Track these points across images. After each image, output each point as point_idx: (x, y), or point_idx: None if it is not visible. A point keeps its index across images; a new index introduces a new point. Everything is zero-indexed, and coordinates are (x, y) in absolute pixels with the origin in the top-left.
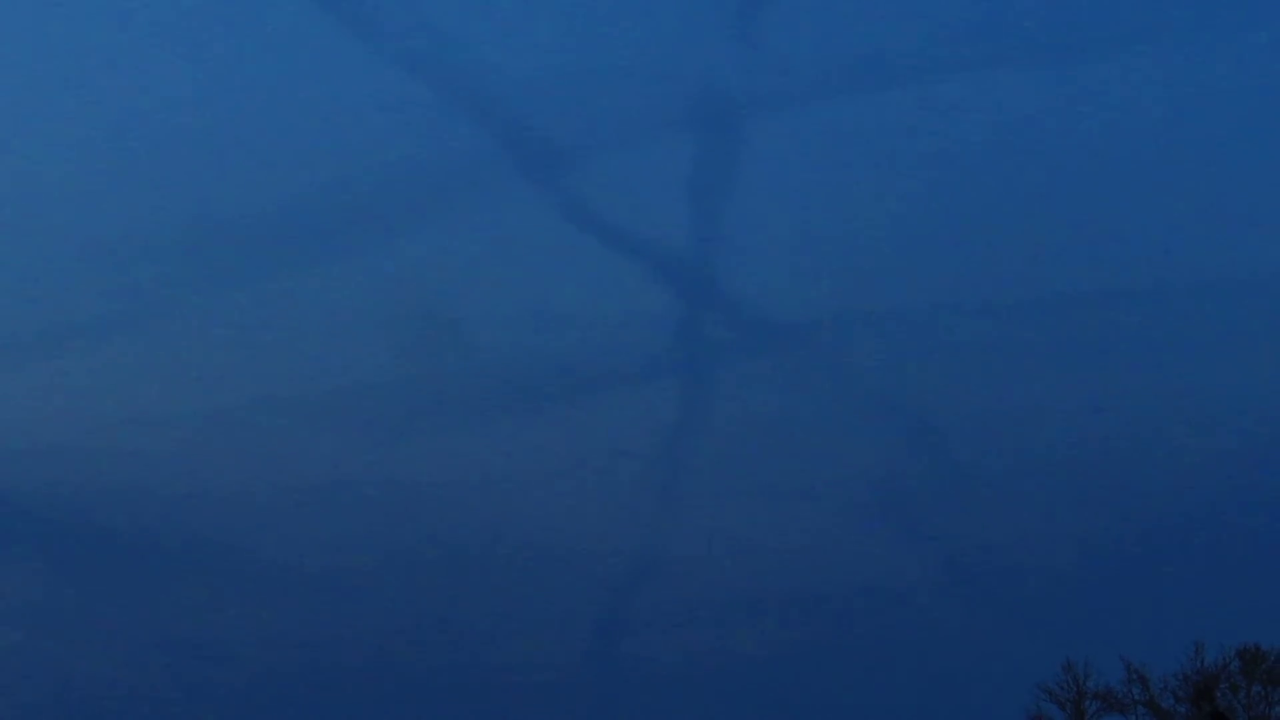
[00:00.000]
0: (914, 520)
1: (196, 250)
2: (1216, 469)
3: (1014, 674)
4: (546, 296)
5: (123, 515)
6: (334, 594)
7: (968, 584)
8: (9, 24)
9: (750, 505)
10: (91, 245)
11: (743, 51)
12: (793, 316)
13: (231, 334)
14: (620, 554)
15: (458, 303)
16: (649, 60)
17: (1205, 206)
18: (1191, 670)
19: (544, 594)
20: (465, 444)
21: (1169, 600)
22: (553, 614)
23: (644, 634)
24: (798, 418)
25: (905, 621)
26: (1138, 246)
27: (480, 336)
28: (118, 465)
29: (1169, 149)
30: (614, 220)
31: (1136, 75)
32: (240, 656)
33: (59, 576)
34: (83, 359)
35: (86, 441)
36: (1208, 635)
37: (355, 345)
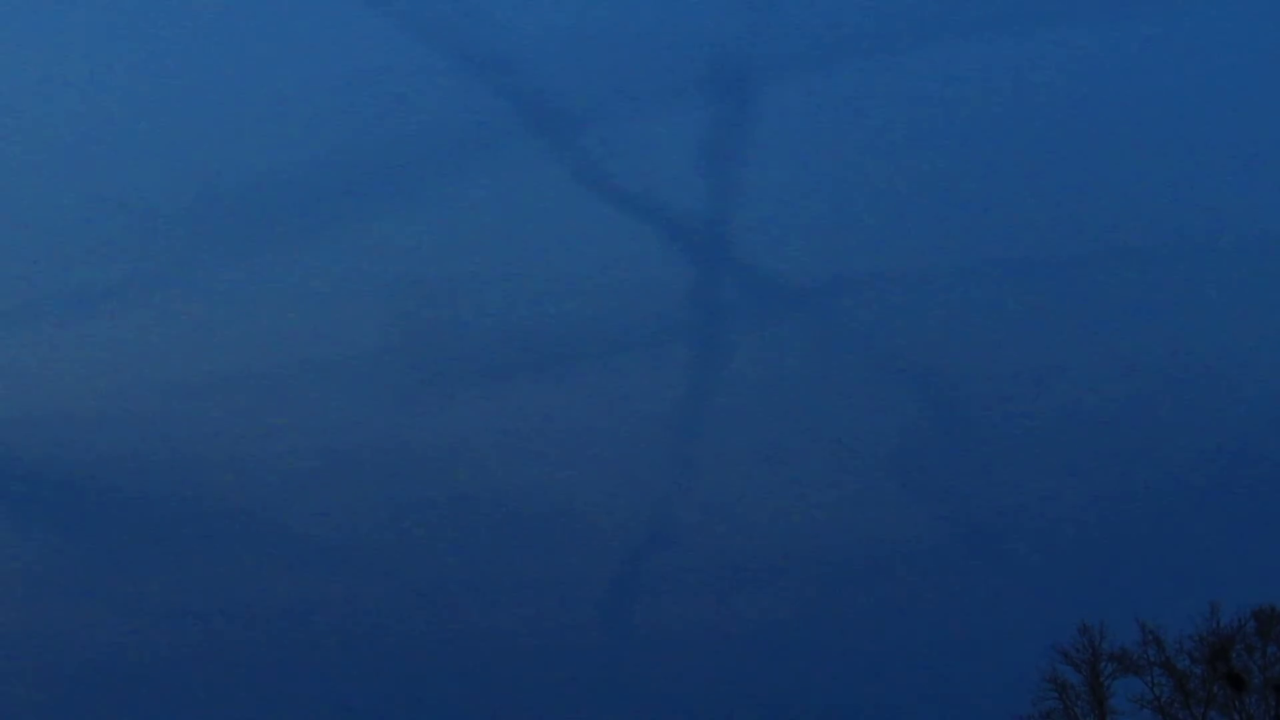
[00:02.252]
0: (929, 483)
1: (213, 217)
2: (1234, 429)
3: (1030, 636)
4: (561, 261)
5: (138, 480)
6: (350, 556)
7: (983, 546)
8: (23, 3)
9: (764, 468)
10: (111, 211)
11: (756, 16)
12: (806, 280)
13: (249, 300)
14: (635, 517)
15: (473, 267)
16: (662, 26)
17: (1222, 165)
18: (1207, 631)
19: (558, 557)
20: (481, 408)
21: (1185, 562)
22: (567, 577)
23: (657, 597)
24: (812, 381)
25: (921, 584)
26: (1152, 207)
27: (495, 300)
28: (133, 431)
29: (1184, 109)
30: (628, 185)
31: (1147, 38)
32: (258, 619)
33: (75, 541)
34: (100, 325)
35: (104, 407)
36: (1223, 596)
37: (372, 310)
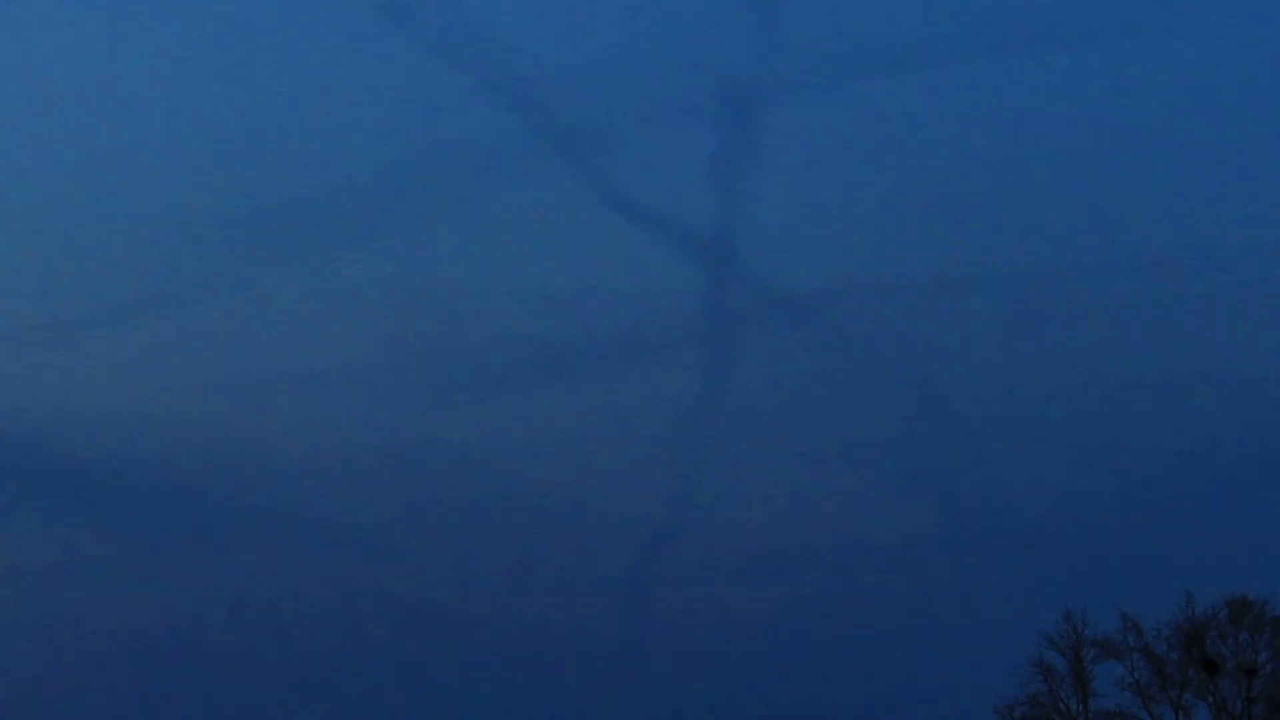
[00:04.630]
0: (925, 482)
1: (247, 231)
2: (1207, 433)
3: (1018, 624)
4: (578, 272)
5: (175, 477)
6: (380, 551)
7: (975, 541)
8: (72, 18)
9: (770, 467)
10: (151, 225)
11: (761, 39)
12: (810, 290)
13: (282, 309)
14: (648, 512)
15: (498, 278)
16: (673, 51)
17: (1197, 183)
18: (1183, 619)
19: (577, 549)
20: (505, 410)
21: (1162, 555)
22: (584, 568)
23: (669, 587)
24: (815, 385)
25: (917, 575)
26: (1133, 223)
27: (517, 309)
28: (170, 431)
29: (1163, 133)
30: (641, 200)
31: (1130, 62)
32: (293, 610)
33: (120, 536)
34: (140, 332)
35: (143, 409)
36: (1198, 587)
37: (399, 318)
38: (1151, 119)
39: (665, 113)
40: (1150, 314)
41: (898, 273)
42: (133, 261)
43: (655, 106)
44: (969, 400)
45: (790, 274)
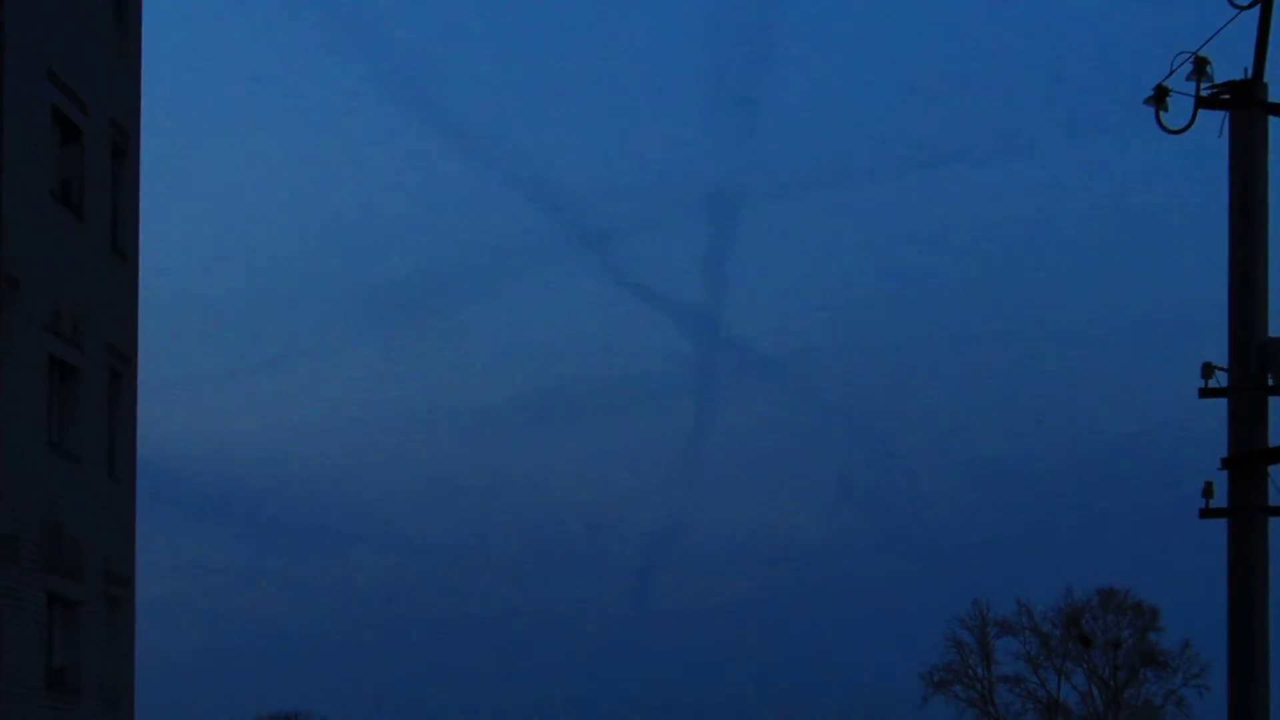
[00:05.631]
0: (868, 503)
1: (360, 303)
2: (1090, 468)
3: (939, 611)
4: (595, 337)
5: (297, 499)
6: (446, 563)
7: (910, 550)
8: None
9: (745, 491)
10: (282, 297)
11: (744, 156)
12: (777, 352)
13: (387, 366)
14: (653, 517)
15: (525, 346)
16: (672, 163)
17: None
18: (1064, 604)
19: (594, 551)
20: (533, 446)
21: (1050, 558)
22: (596, 567)
23: (668, 577)
24: (779, 426)
25: (864, 577)
26: (1060, 302)
27: (549, 368)
28: (294, 463)
29: (1079, 233)
30: (644, 283)
31: (1043, 174)
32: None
33: (254, 549)
34: (267, 385)
35: (270, 446)
36: (1076, 581)
37: (477, 370)
38: (1070, 224)
39: (665, 215)
40: (1060, 376)
41: (850, 338)
42: (261, 330)
43: (657, 210)
44: (903, 439)
45: (761, 339)
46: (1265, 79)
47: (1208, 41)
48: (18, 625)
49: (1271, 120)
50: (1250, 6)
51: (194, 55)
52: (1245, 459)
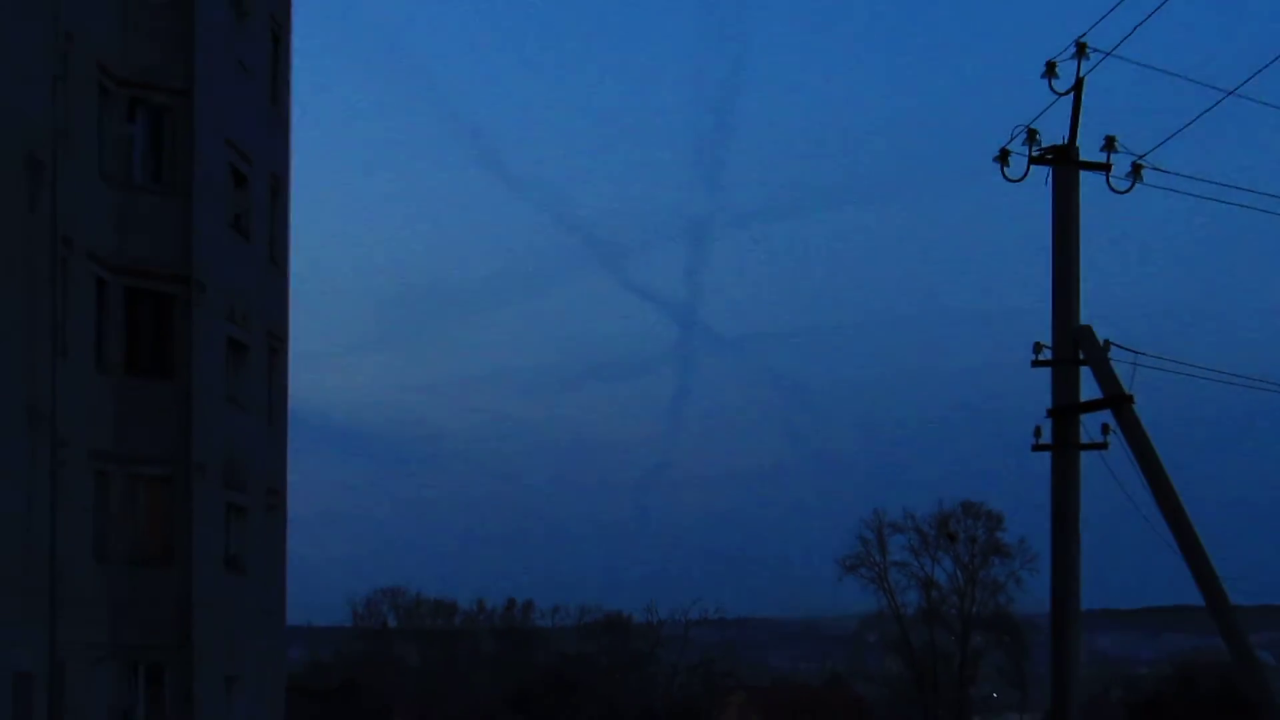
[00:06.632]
0: (806, 448)
1: (423, 302)
2: (963, 418)
3: (851, 518)
4: (601, 326)
5: (416, 431)
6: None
7: (833, 481)
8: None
9: (714, 443)
10: (385, 295)
11: (717, 192)
12: (741, 334)
13: (462, 338)
14: (645, 456)
15: (547, 343)
16: (659, 194)
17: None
18: (937, 511)
19: (600, 478)
20: (556, 411)
21: (927, 476)
22: (607, 482)
23: (658, 496)
24: (743, 395)
25: (796, 496)
26: (936, 296)
27: (565, 350)
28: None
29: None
30: (643, 284)
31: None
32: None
33: (380, 473)
34: (364, 360)
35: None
36: (945, 494)
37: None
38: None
39: (657, 236)
40: (945, 358)
41: (799, 324)
42: (354, 320)
43: (650, 232)
44: (834, 402)
45: (729, 325)
46: (1077, 143)
47: (1037, 117)
48: (206, 524)
49: (1082, 174)
50: (1066, 94)
51: (332, 121)
52: (1063, 410)
